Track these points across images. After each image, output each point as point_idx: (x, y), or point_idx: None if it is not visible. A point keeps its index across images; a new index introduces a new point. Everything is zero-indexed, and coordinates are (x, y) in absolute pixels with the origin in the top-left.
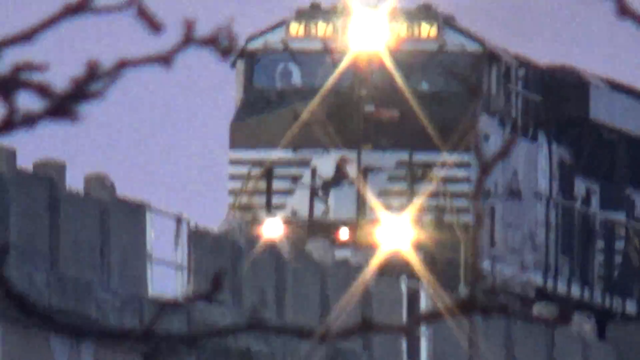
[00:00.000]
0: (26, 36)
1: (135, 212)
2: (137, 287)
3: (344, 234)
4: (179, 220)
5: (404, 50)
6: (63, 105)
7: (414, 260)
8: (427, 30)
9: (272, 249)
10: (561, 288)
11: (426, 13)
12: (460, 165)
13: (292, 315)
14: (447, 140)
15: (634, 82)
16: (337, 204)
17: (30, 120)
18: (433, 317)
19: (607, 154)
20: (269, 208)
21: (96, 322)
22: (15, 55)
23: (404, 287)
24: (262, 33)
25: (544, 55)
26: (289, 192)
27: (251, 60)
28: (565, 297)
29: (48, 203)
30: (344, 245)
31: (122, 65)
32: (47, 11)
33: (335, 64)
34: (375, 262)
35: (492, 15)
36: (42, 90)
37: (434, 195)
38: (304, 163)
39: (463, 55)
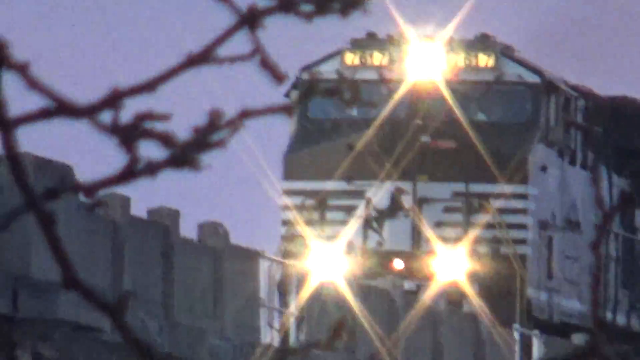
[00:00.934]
0: (149, 86)
1: (249, 258)
2: (249, 334)
3: (398, 264)
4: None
5: (461, 80)
6: (185, 155)
7: (470, 291)
8: (485, 60)
9: (382, 293)
10: (620, 320)
11: (484, 43)
12: (516, 196)
13: None
14: (503, 171)
15: None
16: (392, 235)
17: (151, 170)
18: None
19: None
20: (322, 238)
21: None
22: (138, 105)
23: (517, 335)
24: (317, 63)
25: (605, 86)
26: (342, 223)
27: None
28: (625, 330)
29: (162, 250)
30: (398, 274)
31: (245, 115)
32: (169, 61)
33: (391, 94)
34: (430, 292)
35: (552, 46)
36: (164, 139)
37: (490, 226)
38: (358, 194)
39: (521, 86)
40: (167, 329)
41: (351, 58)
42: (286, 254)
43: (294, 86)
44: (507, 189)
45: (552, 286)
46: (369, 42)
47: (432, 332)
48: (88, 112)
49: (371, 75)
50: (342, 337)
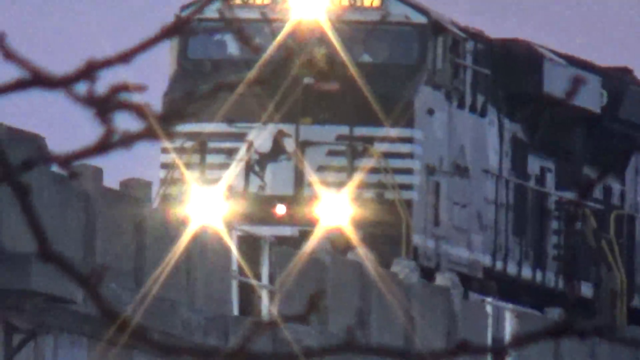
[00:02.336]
0: (124, 57)
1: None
2: (221, 307)
3: (280, 209)
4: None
5: (346, 20)
6: (160, 126)
7: (354, 237)
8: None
9: (356, 267)
10: (511, 269)
11: None
12: (402, 140)
13: (377, 336)
14: (389, 114)
15: (591, 57)
16: (274, 180)
17: (127, 141)
18: (522, 341)
19: (563, 131)
20: (203, 182)
21: (184, 339)
22: (112, 77)
23: (489, 309)
24: (198, 1)
25: (496, 28)
26: (223, 166)
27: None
28: (515, 279)
29: (135, 222)
30: (280, 221)
31: (218, 87)
32: (144, 33)
33: (273, 34)
34: (314, 238)
35: None
36: (139, 111)
37: (375, 171)
38: (240, 137)
39: (407, 27)
40: (139, 300)
41: None
42: (165, 198)
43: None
44: (393, 132)
45: (439, 233)
46: None
47: (317, 282)
48: (63, 83)
49: (254, 15)
50: (317, 310)
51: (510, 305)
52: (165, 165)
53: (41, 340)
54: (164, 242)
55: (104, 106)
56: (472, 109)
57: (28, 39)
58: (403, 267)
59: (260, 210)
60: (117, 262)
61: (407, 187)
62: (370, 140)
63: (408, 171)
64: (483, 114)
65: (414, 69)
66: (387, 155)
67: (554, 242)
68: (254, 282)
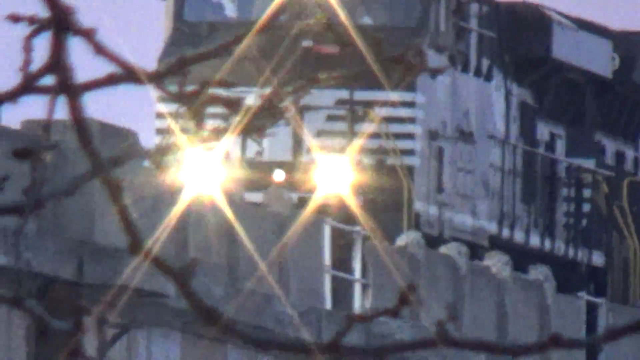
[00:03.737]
0: (215, 53)
1: (313, 224)
2: (314, 300)
3: (279, 175)
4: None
5: None
6: (251, 122)
7: (353, 204)
8: None
9: (448, 261)
10: (518, 237)
11: None
12: (404, 104)
13: (469, 330)
14: (390, 77)
15: (601, 19)
16: (272, 145)
17: (216, 135)
18: (615, 335)
19: (573, 97)
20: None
21: (277, 334)
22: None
23: (583, 303)
24: None
25: None
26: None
27: None
28: (522, 247)
29: (224, 219)
30: (279, 187)
31: (313, 82)
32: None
33: None
34: (311, 206)
35: None
36: (229, 105)
37: (376, 136)
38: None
39: None
40: (232, 295)
41: None
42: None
43: None
44: (394, 96)
45: (443, 200)
46: None
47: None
48: (155, 78)
49: None
50: (410, 303)
51: (603, 300)
52: (160, 131)
53: (134, 335)
54: (255, 236)
55: (194, 101)
56: (477, 73)
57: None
58: (495, 262)
59: (258, 176)
60: (209, 256)
61: (409, 152)
62: (370, 104)
63: (410, 136)
64: (488, 78)
65: (415, 31)
66: (388, 119)
67: (564, 209)
68: (346, 275)
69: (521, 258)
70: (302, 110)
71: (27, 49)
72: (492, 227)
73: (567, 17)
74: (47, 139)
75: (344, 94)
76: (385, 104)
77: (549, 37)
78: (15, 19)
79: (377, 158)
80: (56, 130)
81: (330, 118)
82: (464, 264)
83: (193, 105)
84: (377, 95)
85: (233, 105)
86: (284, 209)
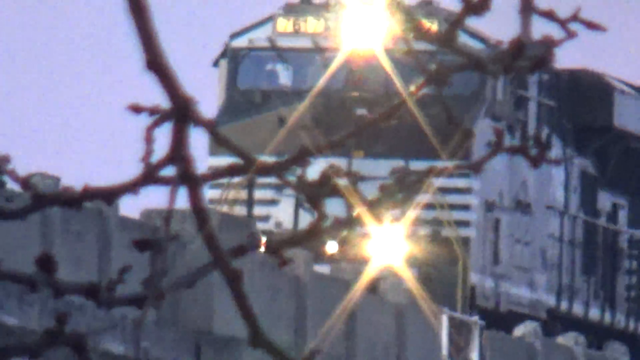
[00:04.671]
0: (334, 145)
1: (431, 313)
2: None
3: (331, 246)
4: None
5: (402, 49)
6: (371, 212)
7: (407, 276)
8: (428, 27)
9: (566, 351)
10: (578, 309)
11: (427, 9)
12: (460, 174)
13: None
14: (446, 147)
15: None
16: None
17: (337, 228)
18: None
19: (636, 166)
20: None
21: None
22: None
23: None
24: (248, 29)
25: (564, 58)
26: (272, 202)
27: (235, 59)
28: (581, 320)
29: (345, 306)
30: (332, 259)
31: (431, 173)
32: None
33: (326, 64)
34: (365, 277)
35: (502, 13)
36: (348, 196)
37: (431, 206)
38: (290, 171)
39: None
40: None
41: (284, 24)
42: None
43: (223, 54)
44: (450, 165)
45: (499, 272)
46: (303, 7)
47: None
48: (277, 168)
49: (305, 44)
50: None
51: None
52: (212, 201)
53: None
54: (373, 326)
55: (315, 191)
56: (536, 142)
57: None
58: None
59: (312, 247)
60: (328, 345)
61: (465, 223)
62: (426, 174)
63: (466, 207)
64: (548, 147)
65: (472, 99)
66: (444, 190)
67: (626, 282)
68: None
69: (581, 332)
70: (356, 179)
71: (149, 139)
72: (551, 300)
73: (629, 85)
74: (167, 230)
75: (398, 163)
76: (441, 173)
77: (610, 105)
78: (136, 109)
79: (432, 229)
80: (176, 221)
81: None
82: (581, 354)
83: (315, 196)
84: (433, 165)
85: (352, 195)
86: (401, 298)
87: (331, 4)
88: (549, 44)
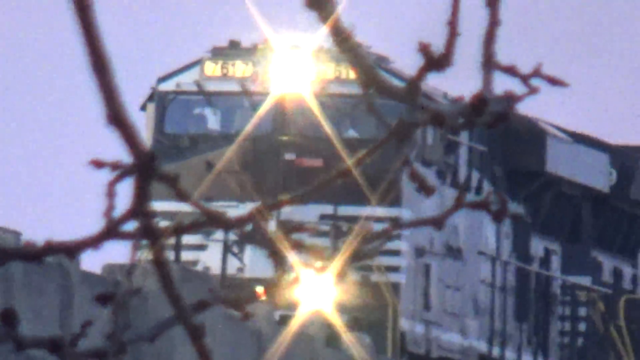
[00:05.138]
0: (302, 198)
1: None
2: None
3: (260, 292)
4: None
5: (330, 93)
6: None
7: (337, 322)
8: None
9: None
10: (510, 356)
11: (382, 64)
12: (389, 220)
13: None
14: (374, 192)
15: (597, 133)
16: (253, 261)
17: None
18: None
19: (569, 211)
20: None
21: None
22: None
23: None
24: (175, 73)
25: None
26: (200, 247)
27: (162, 103)
28: None
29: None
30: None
31: (396, 227)
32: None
33: (254, 108)
34: (294, 323)
35: (462, 69)
36: (314, 253)
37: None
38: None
39: (394, 101)
40: None
41: (212, 68)
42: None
43: (150, 98)
44: (379, 211)
45: (430, 318)
46: (231, 51)
47: None
48: (236, 224)
49: (233, 87)
50: None
51: None
52: (138, 247)
53: None
54: None
55: (274, 245)
56: (466, 187)
57: None
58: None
59: (238, 293)
60: None
61: (395, 269)
62: (355, 220)
63: (395, 253)
64: (479, 192)
65: (402, 144)
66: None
67: (559, 328)
68: None
69: None
70: (284, 225)
71: (111, 194)
72: (482, 346)
73: (562, 130)
74: (129, 284)
75: (328, 209)
76: (369, 219)
77: (543, 150)
78: (98, 164)
79: (361, 275)
80: (138, 275)
81: (314, 234)
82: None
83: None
84: (361, 211)
85: (318, 253)
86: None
87: (259, 48)
88: (510, 99)
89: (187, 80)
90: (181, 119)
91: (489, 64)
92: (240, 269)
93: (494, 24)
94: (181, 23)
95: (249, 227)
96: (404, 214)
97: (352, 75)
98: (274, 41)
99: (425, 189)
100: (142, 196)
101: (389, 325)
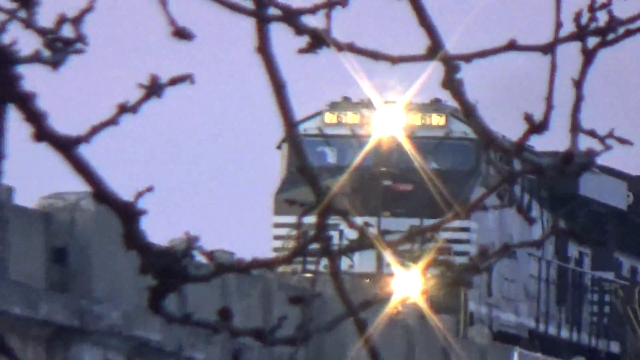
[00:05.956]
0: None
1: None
2: None
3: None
4: None
5: (418, 135)
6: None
7: (422, 305)
8: (437, 120)
9: None
10: (552, 331)
11: (436, 106)
12: (461, 229)
13: None
14: (450, 209)
15: (618, 165)
16: (361, 260)
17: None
18: None
19: (597, 224)
20: (305, 264)
21: None
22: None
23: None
24: (302, 121)
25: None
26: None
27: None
28: (554, 339)
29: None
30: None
31: (506, 249)
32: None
33: (361, 147)
34: (390, 306)
35: (498, 109)
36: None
37: (440, 252)
38: (334, 227)
39: (465, 141)
40: None
41: (330, 117)
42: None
43: (284, 140)
44: (454, 223)
45: (492, 302)
46: (344, 104)
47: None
48: (391, 245)
49: (346, 131)
50: None
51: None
52: (276, 250)
53: None
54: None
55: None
56: (519, 208)
57: None
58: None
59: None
60: None
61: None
62: (436, 229)
63: (465, 253)
64: (528, 210)
65: (470, 174)
66: (450, 241)
67: (589, 310)
68: None
69: (554, 348)
70: (383, 234)
71: (299, 224)
72: (531, 323)
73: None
74: (313, 290)
75: (415, 221)
76: (447, 229)
77: (577, 178)
78: (290, 202)
79: (440, 270)
80: (320, 283)
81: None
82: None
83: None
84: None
85: (381, 243)
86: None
87: (365, 103)
88: (591, 154)
89: (311, 126)
90: (309, 154)
91: (575, 128)
92: (351, 266)
93: (579, 99)
94: (299, 83)
95: (402, 247)
96: (472, 225)
97: (434, 122)
98: (375, 97)
99: (527, 220)
100: (321, 226)
101: (461, 307)
